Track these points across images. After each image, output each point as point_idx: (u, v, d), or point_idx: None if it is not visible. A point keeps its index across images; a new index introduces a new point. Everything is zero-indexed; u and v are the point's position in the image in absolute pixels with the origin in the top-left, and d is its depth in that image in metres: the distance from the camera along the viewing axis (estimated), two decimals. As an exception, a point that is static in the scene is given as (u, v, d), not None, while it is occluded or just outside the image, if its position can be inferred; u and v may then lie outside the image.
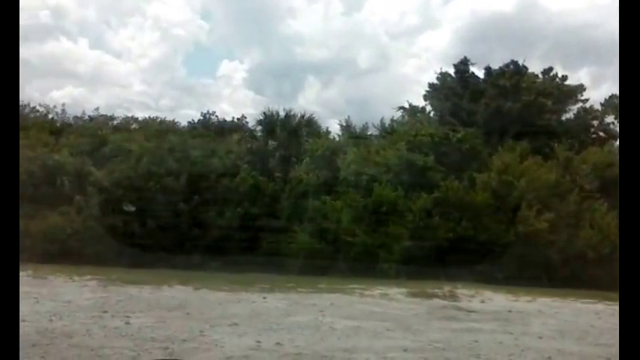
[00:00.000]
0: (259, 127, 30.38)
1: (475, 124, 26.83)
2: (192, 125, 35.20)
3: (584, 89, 29.57)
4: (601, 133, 28.75)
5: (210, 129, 33.37)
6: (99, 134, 29.01)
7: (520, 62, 29.22)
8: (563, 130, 27.33)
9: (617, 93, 26.05)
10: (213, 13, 68.61)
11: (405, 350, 9.07)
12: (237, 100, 56.14)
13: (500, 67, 29.31)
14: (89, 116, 35.11)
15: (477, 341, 10.01)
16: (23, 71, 52.33)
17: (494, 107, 27.38)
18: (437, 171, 23.04)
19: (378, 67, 53.73)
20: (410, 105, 31.60)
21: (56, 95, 64.39)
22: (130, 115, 39.00)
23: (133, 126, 36.49)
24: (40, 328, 9.21)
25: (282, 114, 29.58)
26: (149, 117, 39.05)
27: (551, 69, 29.92)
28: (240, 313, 11.58)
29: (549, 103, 27.99)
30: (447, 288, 17.09)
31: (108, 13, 66.01)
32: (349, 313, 12.49)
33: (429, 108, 31.43)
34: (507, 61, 29.53)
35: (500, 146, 24.18)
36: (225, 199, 24.29)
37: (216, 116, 37.06)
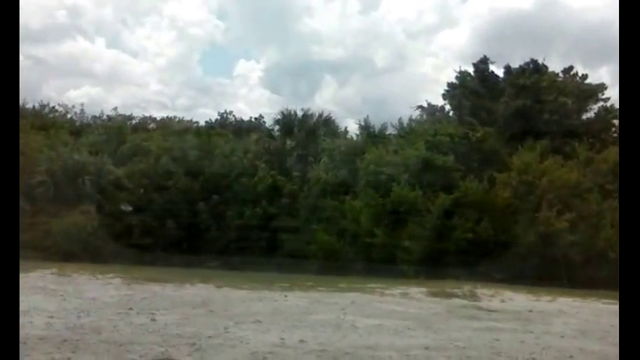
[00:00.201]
0: (277, 127, 30.56)
1: (495, 124, 26.77)
2: (209, 125, 35.55)
3: (605, 88, 29.32)
4: (622, 133, 28.45)
5: (228, 128, 33.69)
6: (118, 134, 29.41)
7: (540, 61, 29.13)
8: (584, 130, 27.12)
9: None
10: (229, 12, 69.43)
11: (427, 348, 9.10)
12: (253, 100, 56.66)
13: (520, 66, 29.19)
14: (107, 116, 35.62)
15: (498, 340, 10.01)
16: (40, 71, 53.25)
17: (514, 106, 27.24)
18: (456, 171, 23.02)
19: (395, 66, 53.84)
20: (428, 104, 31.61)
21: (73, 95, 65.63)
22: (147, 114, 39.62)
23: (151, 125, 37.01)
24: (69, 324, 9.40)
25: (299, 113, 29.76)
26: (167, 117, 39.64)
27: (571, 68, 29.76)
28: (262, 311, 11.69)
29: (570, 102, 27.79)
30: (466, 288, 17.05)
31: (124, 13, 67.28)
32: (370, 311, 12.55)
33: (447, 107, 31.42)
34: (527, 59, 29.49)
35: (520, 146, 24.08)
36: (243, 199, 24.50)
37: (234, 116, 37.48)
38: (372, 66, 55.79)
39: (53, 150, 24.88)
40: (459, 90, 30.28)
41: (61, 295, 12.51)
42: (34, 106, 34.96)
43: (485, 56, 30.29)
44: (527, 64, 29.16)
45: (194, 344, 8.35)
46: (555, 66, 30.04)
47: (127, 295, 13.10)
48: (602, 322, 12.88)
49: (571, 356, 9.15)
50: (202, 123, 36.62)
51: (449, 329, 10.93)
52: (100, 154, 25.74)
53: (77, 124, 34.93)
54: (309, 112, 30.05)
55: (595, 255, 20.06)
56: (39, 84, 51.83)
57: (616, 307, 15.13)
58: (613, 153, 23.35)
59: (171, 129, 33.13)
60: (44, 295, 12.52)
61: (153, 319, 10.15)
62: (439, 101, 31.71)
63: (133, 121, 36.53)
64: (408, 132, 28.66)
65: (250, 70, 62.06)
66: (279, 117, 30.11)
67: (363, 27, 58.08)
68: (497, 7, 50.55)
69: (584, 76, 29.52)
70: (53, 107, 36.27)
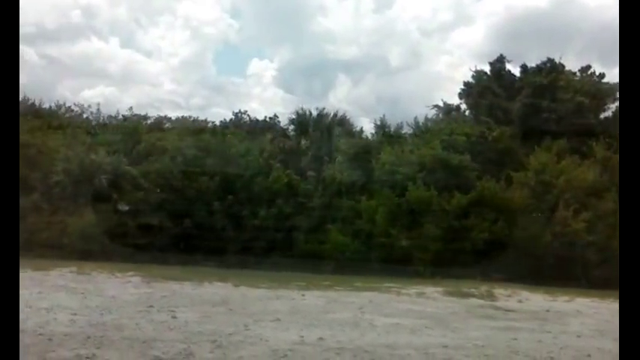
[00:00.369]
0: (291, 127, 30.65)
1: (511, 123, 26.65)
2: (224, 124, 35.70)
3: (623, 87, 28.99)
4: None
5: (243, 128, 33.82)
6: (134, 133, 29.61)
7: (557, 60, 29.01)
8: (601, 129, 26.84)
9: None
10: (243, 11, 69.64)
11: (445, 347, 9.14)
12: (267, 99, 56.74)
13: (536, 65, 29.09)
14: (123, 115, 35.85)
15: (515, 339, 10.04)
16: (55, 71, 53.79)
17: (530, 105, 27.12)
18: (472, 170, 22.93)
19: (410, 65, 53.66)
20: (444, 103, 31.56)
21: (87, 94, 66.10)
22: (161, 114, 39.89)
23: (166, 125, 37.25)
24: (92, 321, 9.57)
25: (314, 113, 29.80)
26: (182, 116, 39.89)
27: (589, 67, 29.59)
28: (281, 310, 11.80)
29: (587, 101, 27.58)
30: (483, 287, 17.03)
31: (138, 12, 67.48)
32: (387, 310, 12.61)
33: (463, 106, 31.34)
34: (544, 58, 29.37)
35: (536, 145, 23.92)
36: (259, 199, 24.58)
37: (248, 115, 37.60)
38: (387, 65, 55.67)
39: (70, 149, 25.14)
40: (475, 89, 30.21)
41: (82, 293, 12.71)
42: (50, 106, 35.33)
43: (501, 55, 30.25)
44: (543, 62, 29.03)
45: (215, 341, 8.47)
46: (572, 65, 29.95)
47: (146, 293, 13.28)
48: (621, 322, 12.78)
49: (589, 355, 9.16)
50: (217, 122, 36.80)
51: (466, 328, 10.96)
52: (116, 154, 25.96)
53: (93, 123, 35.20)
54: (324, 112, 30.13)
55: (612, 255, 19.81)
56: (53, 84, 52.44)
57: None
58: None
59: (187, 129, 33.30)
60: (66, 292, 12.74)
61: (174, 317, 10.31)
62: (455, 100, 31.70)
63: (148, 121, 36.76)
64: (423, 131, 28.61)
65: (264, 69, 62.21)
66: (293, 116, 30.25)
67: (377, 25, 57.99)
68: (512, 4, 50.20)
69: (602, 75, 29.33)
70: (69, 107, 36.62)
